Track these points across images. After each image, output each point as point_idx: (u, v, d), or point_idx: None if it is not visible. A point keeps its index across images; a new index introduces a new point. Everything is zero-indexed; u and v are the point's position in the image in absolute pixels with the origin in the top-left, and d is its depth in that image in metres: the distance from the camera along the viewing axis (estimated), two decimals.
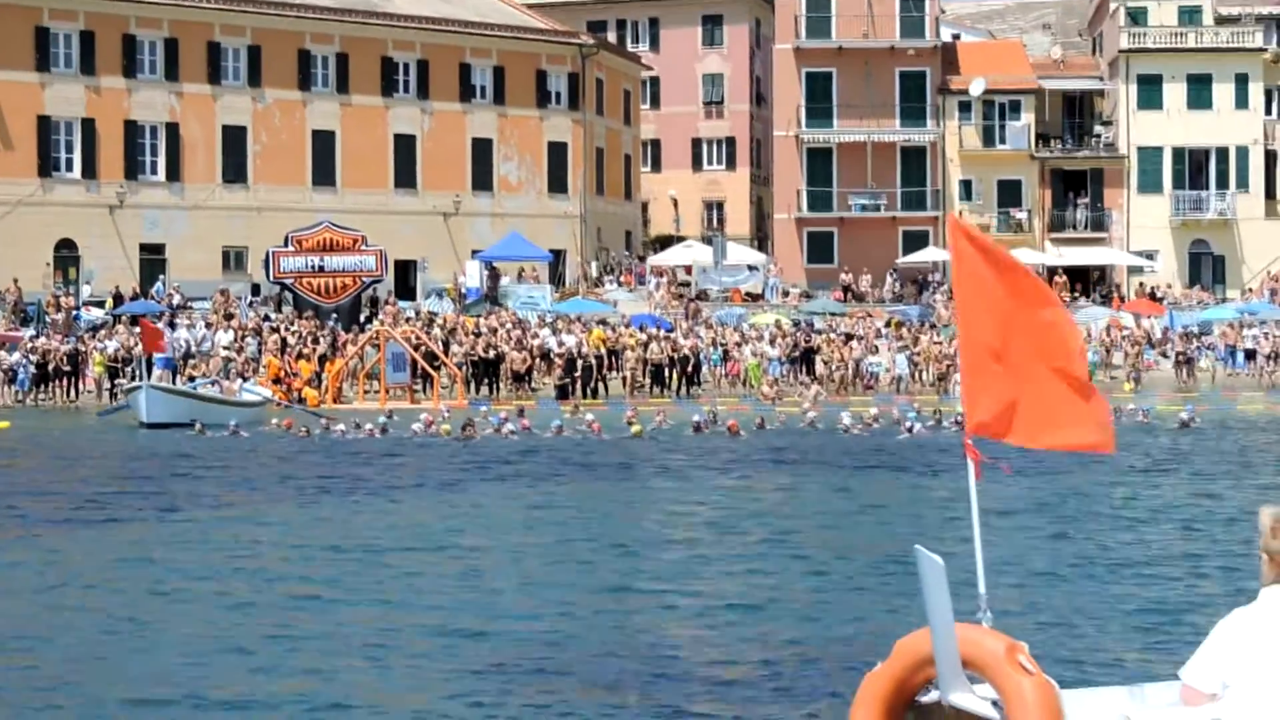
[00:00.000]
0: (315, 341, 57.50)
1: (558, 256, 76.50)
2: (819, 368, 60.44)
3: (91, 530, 24.19)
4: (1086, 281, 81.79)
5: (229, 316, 61.41)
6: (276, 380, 54.37)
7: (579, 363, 57.56)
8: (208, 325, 59.84)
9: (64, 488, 30.24)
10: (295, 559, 21.07)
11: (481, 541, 22.75)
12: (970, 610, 8.49)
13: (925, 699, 7.64)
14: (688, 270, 78.01)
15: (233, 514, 26.19)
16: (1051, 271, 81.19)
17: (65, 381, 55.41)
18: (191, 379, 53.57)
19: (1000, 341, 8.61)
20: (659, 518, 26.23)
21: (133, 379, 50.26)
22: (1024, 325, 8.60)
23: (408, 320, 62.13)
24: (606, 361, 59.38)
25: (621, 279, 77.79)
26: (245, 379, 52.86)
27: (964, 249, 8.79)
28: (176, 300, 64.52)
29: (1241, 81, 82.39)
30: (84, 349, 56.28)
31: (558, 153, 79.75)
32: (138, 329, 53.99)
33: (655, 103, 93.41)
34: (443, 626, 16.39)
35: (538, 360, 58.81)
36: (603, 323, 64.14)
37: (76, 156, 68.81)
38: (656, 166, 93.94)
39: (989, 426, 8.61)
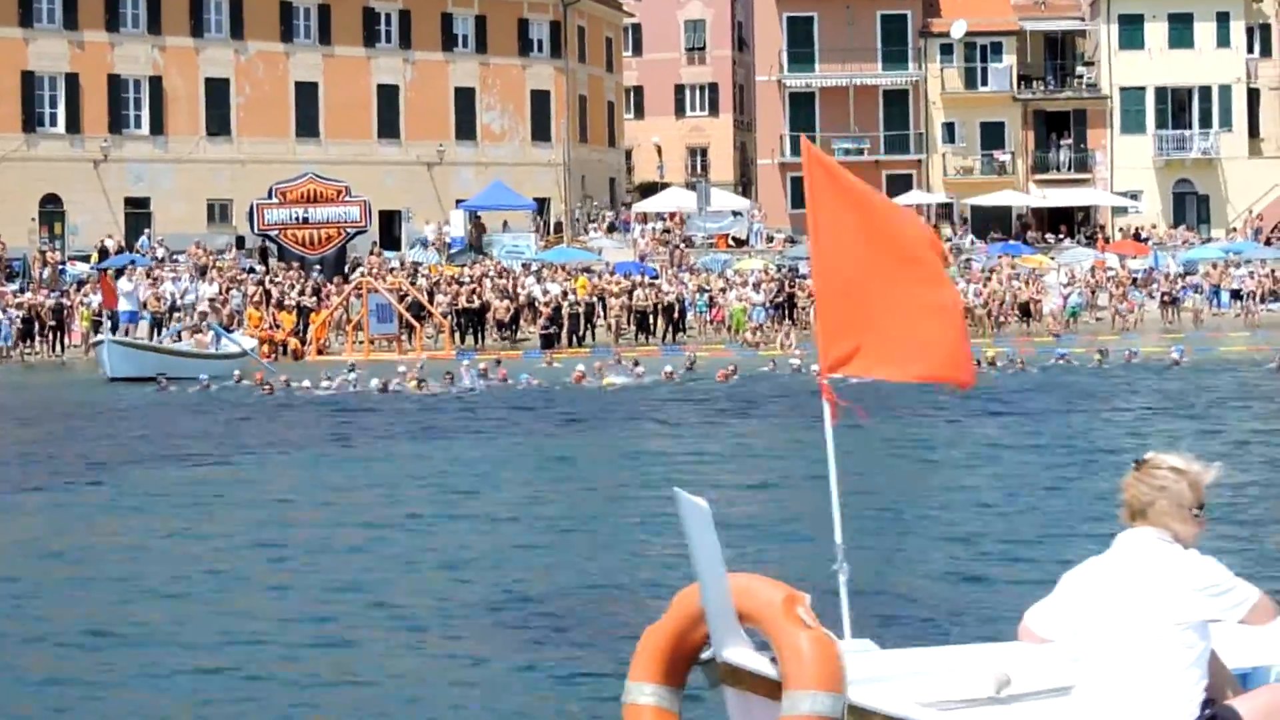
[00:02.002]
0: (302, 293, 57.52)
1: (542, 205, 76.56)
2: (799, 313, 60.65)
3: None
4: (1071, 223, 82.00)
5: (203, 270, 61.09)
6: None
7: (564, 311, 57.73)
8: (192, 278, 59.84)
9: None
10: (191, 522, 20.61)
11: (403, 503, 22.34)
12: (831, 558, 8.12)
13: (706, 655, 7.10)
14: (672, 216, 78.08)
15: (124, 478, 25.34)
16: (1036, 213, 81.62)
17: (52, 336, 55.46)
18: (180, 334, 53.66)
19: (856, 273, 8.09)
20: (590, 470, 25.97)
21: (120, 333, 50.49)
22: (881, 255, 8.08)
23: (391, 271, 62.19)
24: (595, 310, 59.46)
25: (591, 228, 77.72)
26: (229, 330, 52.73)
27: (819, 177, 8.26)
28: (161, 253, 64.51)
29: (1223, 20, 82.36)
30: (69, 303, 56.34)
31: (540, 101, 79.74)
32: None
33: (637, 49, 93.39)
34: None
35: (524, 309, 58.94)
36: (587, 270, 64.28)
37: (60, 111, 68.81)
38: (640, 113, 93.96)
39: (844, 362, 8.12)
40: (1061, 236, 78.88)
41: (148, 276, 58.42)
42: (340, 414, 35.67)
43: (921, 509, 20.56)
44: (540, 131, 79.63)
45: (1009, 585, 14.85)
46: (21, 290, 57.57)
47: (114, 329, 50.15)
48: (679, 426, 32.38)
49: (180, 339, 51.31)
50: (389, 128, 75.80)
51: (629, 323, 59.32)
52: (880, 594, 14.46)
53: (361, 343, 54.73)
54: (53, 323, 55.31)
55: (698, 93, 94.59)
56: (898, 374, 8.32)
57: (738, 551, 16.79)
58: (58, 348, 55.30)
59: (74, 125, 68.90)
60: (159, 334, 54.23)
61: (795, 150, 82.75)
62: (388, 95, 75.89)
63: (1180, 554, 6.27)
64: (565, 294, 58.91)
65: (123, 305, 54.56)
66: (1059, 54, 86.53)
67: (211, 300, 56.35)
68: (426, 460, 27.10)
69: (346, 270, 61.78)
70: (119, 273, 58.04)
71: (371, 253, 65.47)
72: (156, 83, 70.66)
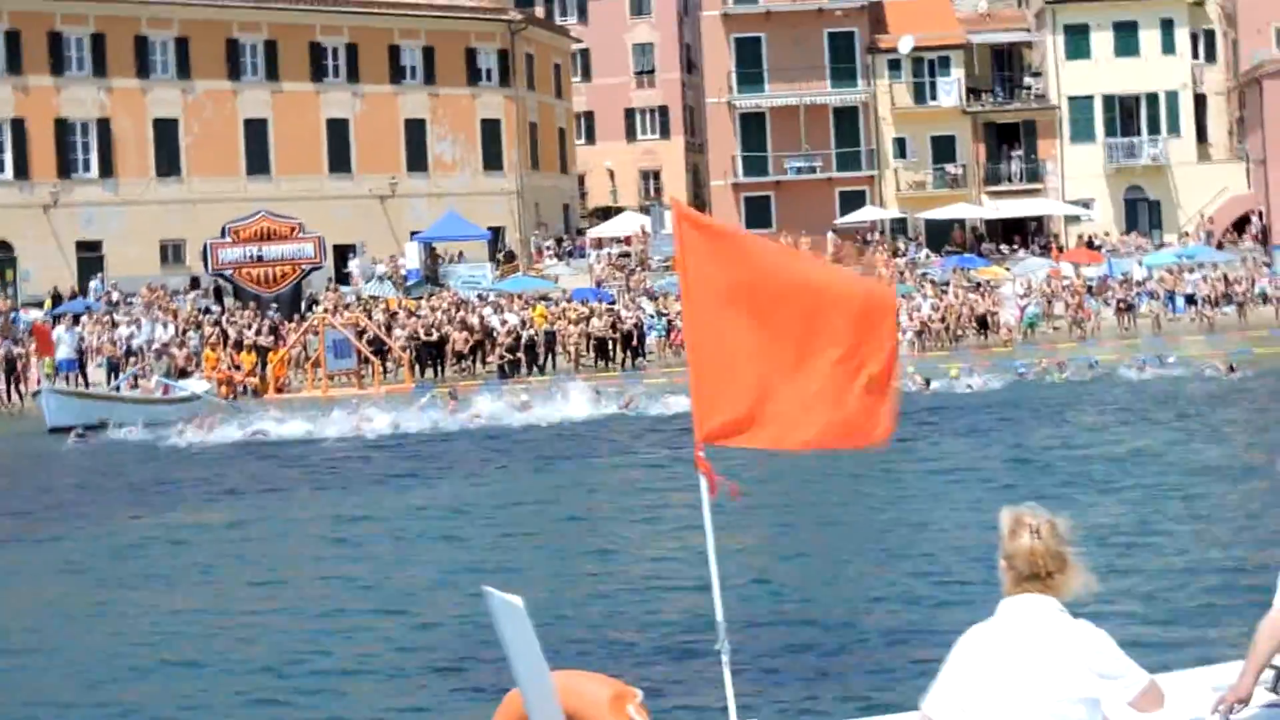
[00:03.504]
0: (259, 333, 57.22)
1: (496, 234, 76.42)
2: None
3: None
4: (1024, 233, 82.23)
5: (161, 311, 60.73)
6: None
7: (522, 341, 57.58)
8: (148, 320, 59.49)
9: None
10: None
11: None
12: (711, 644, 7.65)
13: None
14: (627, 240, 78.05)
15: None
16: (989, 225, 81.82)
17: (5, 384, 54.76)
18: (136, 377, 53.30)
19: (737, 334, 7.50)
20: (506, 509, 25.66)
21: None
22: (771, 313, 7.49)
23: (348, 306, 61.98)
24: (556, 339, 59.20)
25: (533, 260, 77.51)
26: (187, 374, 52.38)
27: (690, 236, 7.72)
28: (115, 297, 64.19)
29: (1167, 27, 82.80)
30: (22, 351, 55.76)
31: (491, 130, 79.67)
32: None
33: (586, 75, 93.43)
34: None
35: (483, 340, 58.73)
36: (544, 299, 64.14)
37: (8, 157, 68.41)
38: (591, 138, 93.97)
39: (723, 434, 7.50)
40: (1015, 247, 79.12)
41: (99, 322, 58.01)
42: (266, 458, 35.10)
43: (821, 568, 18.93)
44: (492, 160, 79.55)
45: (908, 659, 13.74)
46: None
47: (52, 377, 49.78)
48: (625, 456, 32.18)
49: (136, 384, 50.87)
50: (340, 162, 75.61)
51: (588, 349, 59.19)
52: (772, 669, 13.67)
53: (320, 379, 54.44)
54: (5, 371, 54.69)
55: (648, 116, 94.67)
56: (785, 443, 7.67)
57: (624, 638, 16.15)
58: (13, 396, 54.62)
59: (22, 170, 68.52)
60: (116, 379, 53.87)
61: (748, 171, 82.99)
62: (337, 129, 75.71)
63: (1076, 627, 5.93)
64: (524, 323, 58.79)
65: (61, 353, 54.18)
66: (1006, 66, 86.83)
67: (165, 345, 55.99)
68: (347, 506, 26.73)
69: (303, 307, 61.57)
70: (56, 320, 57.75)
71: (327, 288, 65.25)
72: (104, 125, 70.32)
